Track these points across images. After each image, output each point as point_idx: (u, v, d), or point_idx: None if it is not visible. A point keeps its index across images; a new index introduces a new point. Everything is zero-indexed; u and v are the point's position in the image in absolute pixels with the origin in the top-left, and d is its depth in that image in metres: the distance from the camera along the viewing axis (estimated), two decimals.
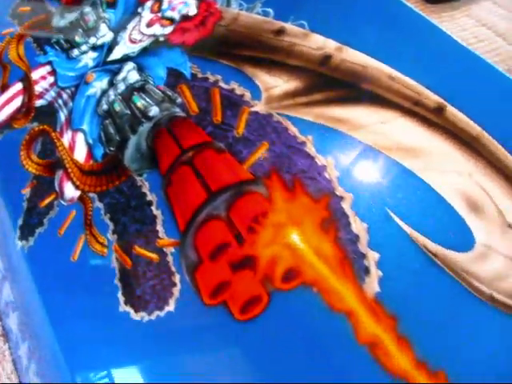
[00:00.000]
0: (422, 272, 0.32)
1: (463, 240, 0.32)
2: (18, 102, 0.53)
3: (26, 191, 0.48)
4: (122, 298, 0.39)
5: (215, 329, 0.36)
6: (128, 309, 0.39)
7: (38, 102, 0.52)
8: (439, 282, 0.32)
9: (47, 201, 0.46)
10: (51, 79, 0.52)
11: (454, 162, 0.34)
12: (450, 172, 0.34)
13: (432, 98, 0.36)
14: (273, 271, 0.35)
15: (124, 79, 0.47)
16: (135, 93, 0.46)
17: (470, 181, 0.33)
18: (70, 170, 0.45)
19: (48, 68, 0.53)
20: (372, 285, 0.33)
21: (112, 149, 0.44)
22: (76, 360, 0.41)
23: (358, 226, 0.34)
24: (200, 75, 0.44)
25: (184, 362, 0.37)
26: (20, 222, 0.48)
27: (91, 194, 0.44)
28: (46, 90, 0.52)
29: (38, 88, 0.52)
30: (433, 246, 0.32)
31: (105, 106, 0.47)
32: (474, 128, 0.35)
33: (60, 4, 0.57)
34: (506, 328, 0.30)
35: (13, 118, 0.53)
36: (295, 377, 0.34)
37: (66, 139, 0.48)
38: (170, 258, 0.39)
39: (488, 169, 0.34)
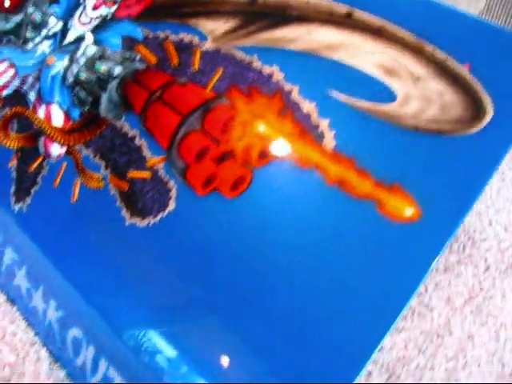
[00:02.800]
0: (363, 123, 0.42)
1: (388, 95, 0.43)
2: None
3: (13, 164, 0.54)
4: (126, 215, 0.46)
5: (212, 212, 0.44)
6: (134, 220, 0.46)
7: (4, 93, 0.58)
8: (378, 127, 0.42)
9: (36, 164, 0.53)
10: (12, 71, 0.58)
11: (369, 47, 0.45)
12: (367, 54, 0.45)
13: (342, 7, 0.47)
14: (249, 155, 0.44)
15: (83, 53, 0.55)
16: (97, 61, 0.53)
17: (383, 56, 0.44)
18: (51, 134, 0.52)
19: (6, 63, 0.59)
20: (329, 141, 0.42)
21: (87, 108, 0.52)
22: (87, 284, 0.47)
23: (307, 106, 0.44)
24: (151, 35, 0.53)
25: (189, 248, 0.44)
26: (12, 189, 0.53)
27: (77, 147, 0.51)
28: (9, 82, 0.58)
29: (0, 82, 0.58)
30: (366, 104, 0.42)
31: (71, 79, 0.54)
32: (378, 21, 0.46)
33: (1, 12, 0.64)
34: (434, 147, 0.41)
35: None
36: (285, 237, 0.42)
37: (41, 113, 0.54)
38: (161, 172, 0.46)
39: (395, 46, 0.45)
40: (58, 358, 0.53)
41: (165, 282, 0.45)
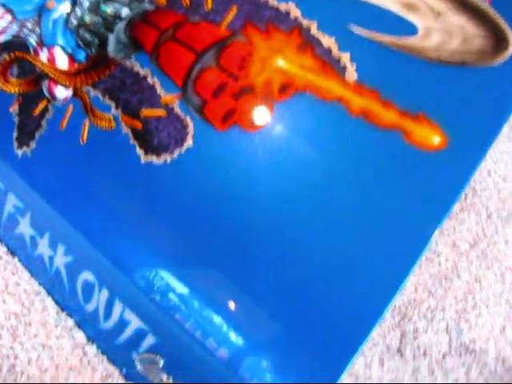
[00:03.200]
0: (385, 56, 0.42)
1: (409, 29, 0.43)
2: None
3: (14, 109, 0.52)
4: (141, 152, 0.45)
5: (232, 146, 0.43)
6: (150, 157, 0.45)
7: (2, 38, 0.56)
8: (401, 59, 0.42)
9: (40, 107, 0.51)
10: (9, 17, 0.56)
11: None
12: None
13: None
14: (270, 89, 0.44)
15: None
16: (101, 3, 0.52)
17: None
18: (56, 77, 0.50)
19: (1, 10, 0.57)
20: (351, 74, 0.42)
21: (93, 50, 0.50)
22: (96, 229, 0.46)
23: (327, 41, 0.44)
24: None
25: (207, 184, 0.44)
26: (15, 134, 0.52)
27: (84, 88, 0.49)
28: (7, 28, 0.56)
29: None
30: (387, 38, 0.42)
31: (75, 22, 0.52)
32: None
33: None
34: (458, 78, 0.41)
35: None
36: (309, 171, 0.42)
37: (44, 57, 0.53)
38: (177, 109, 0.45)
39: None
40: (65, 306, 0.51)
41: (181, 221, 0.44)
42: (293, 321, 0.39)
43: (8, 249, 0.55)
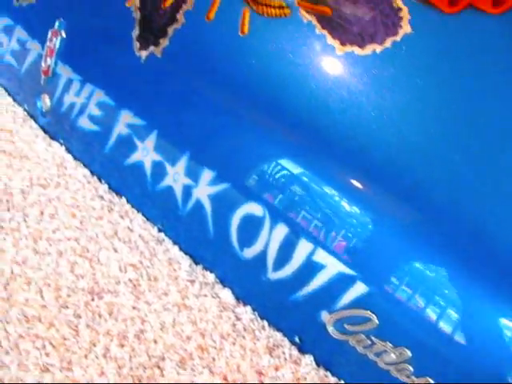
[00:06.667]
0: None
1: None
2: None
3: (133, 2, 0.40)
4: (335, 43, 0.34)
5: (466, 31, 0.32)
6: (349, 48, 0.33)
7: None
8: None
9: None
10: None
11: None
12: None
13: None
14: None
15: None
16: None
17: None
18: None
19: None
20: None
21: None
22: None
23: None
24: None
25: (429, 73, 0.33)
26: (136, 32, 0.39)
27: None
28: None
29: None
30: None
31: None
32: None
33: None
34: None
35: None
36: None
37: None
38: None
39: None
40: (202, 257, 0.38)
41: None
42: None
43: (110, 187, 0.41)
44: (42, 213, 0.40)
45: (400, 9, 0.34)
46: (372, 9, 0.35)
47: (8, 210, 0.40)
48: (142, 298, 0.36)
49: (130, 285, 0.36)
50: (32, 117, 0.48)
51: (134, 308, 0.35)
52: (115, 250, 0.38)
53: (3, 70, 0.50)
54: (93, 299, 0.35)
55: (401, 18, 0.34)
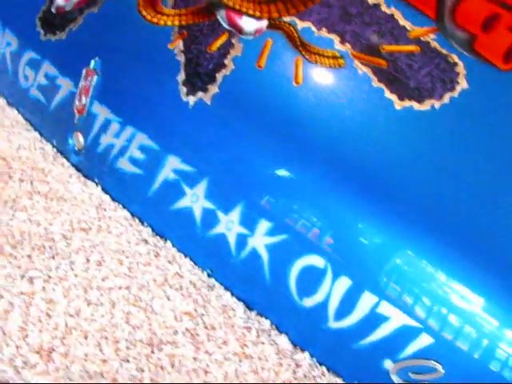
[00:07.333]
0: None
1: None
2: None
3: (176, 45, 0.40)
4: (393, 98, 0.34)
5: None
6: (406, 103, 0.34)
7: None
8: None
9: (219, 42, 0.39)
10: None
11: None
12: None
13: None
14: None
15: None
16: None
17: None
18: (238, 6, 0.39)
19: None
20: None
21: None
22: None
23: None
24: None
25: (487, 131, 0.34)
26: (182, 76, 0.39)
27: (286, 19, 0.37)
28: None
29: None
30: None
31: None
32: None
33: None
34: None
35: None
36: None
37: None
38: (434, 44, 0.35)
39: None
40: (255, 303, 0.39)
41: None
42: None
43: (153, 230, 0.41)
44: (87, 260, 0.39)
45: (456, 64, 0.35)
46: (428, 63, 0.36)
47: (53, 257, 0.39)
48: (202, 347, 0.36)
49: (188, 334, 0.37)
50: (62, 154, 0.46)
51: (195, 359, 0.35)
52: (168, 298, 0.38)
53: (29, 104, 0.48)
54: (153, 351, 0.35)
55: (457, 74, 0.35)
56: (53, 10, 0.46)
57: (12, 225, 0.41)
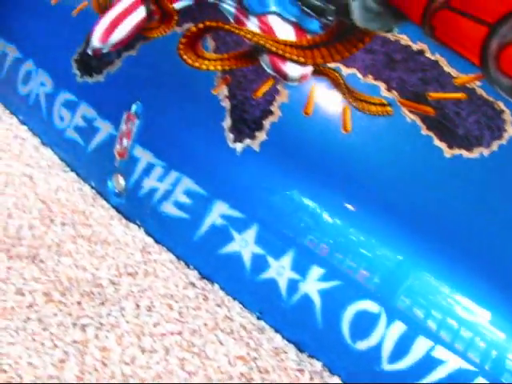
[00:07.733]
0: None
1: None
2: (140, 12, 0.44)
3: (220, 90, 0.40)
4: (442, 146, 0.35)
5: None
6: (457, 151, 0.35)
7: (177, 5, 0.44)
8: None
9: (265, 88, 0.39)
10: None
11: None
12: None
13: None
14: None
15: None
16: None
17: None
18: (281, 52, 0.39)
19: None
20: None
21: (330, 18, 0.39)
22: None
23: None
24: None
25: None
26: (228, 123, 0.39)
27: (331, 65, 0.38)
28: None
29: None
30: None
31: None
32: None
33: None
34: None
35: (142, 28, 0.44)
36: None
37: (253, 26, 0.41)
38: (480, 91, 0.36)
39: None
40: (308, 346, 0.39)
41: None
42: None
43: (200, 273, 0.42)
44: (137, 305, 0.40)
45: (503, 111, 0.36)
46: (475, 110, 0.36)
47: (103, 303, 0.40)
48: None
49: (244, 379, 0.37)
50: (101, 195, 0.47)
51: None
52: (221, 343, 0.38)
53: (65, 145, 0.48)
54: None
55: (504, 121, 0.36)
56: (89, 51, 0.46)
57: (58, 270, 0.41)
